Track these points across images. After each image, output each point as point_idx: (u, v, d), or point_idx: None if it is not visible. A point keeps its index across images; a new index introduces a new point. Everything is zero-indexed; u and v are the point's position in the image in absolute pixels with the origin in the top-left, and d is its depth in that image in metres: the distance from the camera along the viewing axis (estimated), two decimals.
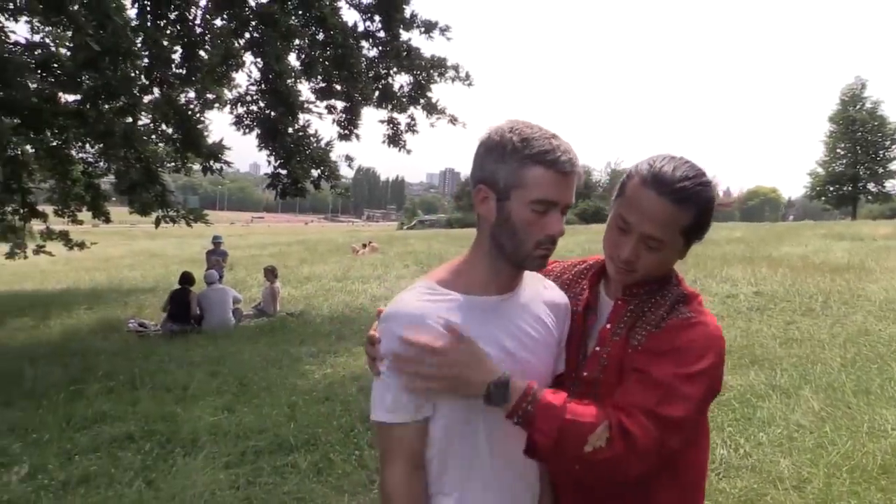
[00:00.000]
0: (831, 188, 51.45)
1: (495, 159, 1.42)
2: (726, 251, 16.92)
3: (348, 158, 11.64)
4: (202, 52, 9.83)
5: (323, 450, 4.98)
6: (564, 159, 1.39)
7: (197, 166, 11.40)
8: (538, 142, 1.39)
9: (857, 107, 50.79)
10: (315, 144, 10.51)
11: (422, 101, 11.58)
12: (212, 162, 10.26)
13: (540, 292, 1.61)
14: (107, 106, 9.48)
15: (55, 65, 10.37)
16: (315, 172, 10.70)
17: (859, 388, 5.88)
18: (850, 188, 51.07)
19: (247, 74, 11.67)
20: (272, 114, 10.36)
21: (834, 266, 13.69)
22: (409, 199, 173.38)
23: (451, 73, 11.36)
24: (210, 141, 10.33)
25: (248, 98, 11.25)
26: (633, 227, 1.47)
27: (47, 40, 11.03)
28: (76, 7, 6.92)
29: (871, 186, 51.52)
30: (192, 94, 11.55)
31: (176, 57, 9.65)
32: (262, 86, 10.64)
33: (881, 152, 50.48)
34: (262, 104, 10.84)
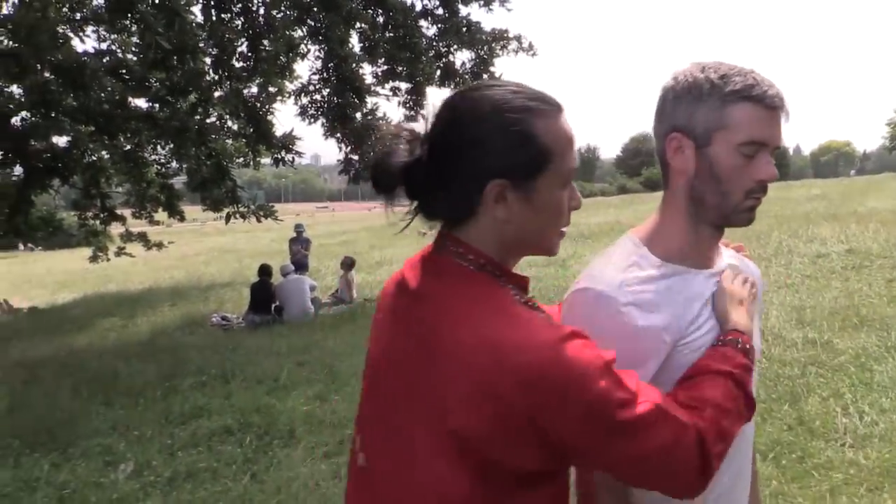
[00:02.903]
0: None
1: (690, 101, 1.23)
2: (808, 209, 16.22)
3: None
4: (266, 44, 9.82)
5: None
6: (772, 93, 1.20)
7: (266, 160, 11.47)
8: (740, 77, 1.20)
9: None
10: (385, 128, 10.38)
11: (485, 76, 11.30)
12: (284, 153, 10.30)
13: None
14: (179, 104, 9.60)
15: (123, 70, 10.61)
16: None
17: None
18: None
19: (310, 63, 11.63)
20: (338, 100, 10.29)
21: None
22: None
23: (513, 44, 11.05)
24: (279, 133, 10.36)
25: (312, 88, 11.22)
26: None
27: (114, 47, 11.22)
28: (146, 7, 6.94)
29: None
30: (254, 89, 11.64)
31: (242, 50, 9.69)
32: (326, 73, 10.58)
33: None
34: (326, 92, 10.78)
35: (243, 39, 9.58)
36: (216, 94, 10.13)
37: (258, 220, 11.16)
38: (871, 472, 3.65)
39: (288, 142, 10.09)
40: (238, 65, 9.87)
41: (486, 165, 1.04)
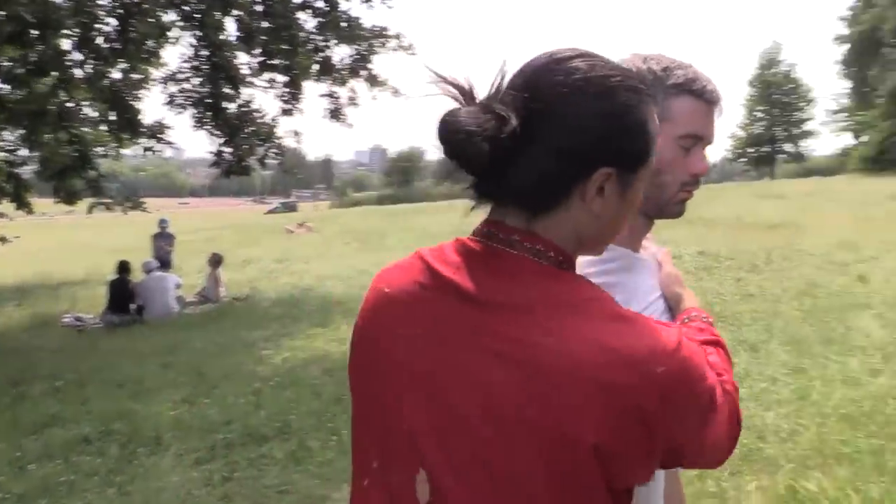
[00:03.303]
0: (751, 150, 53.42)
1: None
2: None
3: (296, 134, 11.24)
4: (135, 25, 9.18)
5: (299, 437, 4.75)
6: (711, 87, 1.22)
7: (127, 151, 10.76)
8: (681, 70, 1.21)
9: (774, 70, 52.67)
10: (260, 120, 10.05)
11: (363, 73, 11.20)
12: (154, 142, 9.63)
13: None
14: (36, 85, 8.77)
15: None
16: (260, 150, 10.24)
17: (823, 338, 6.02)
18: (768, 149, 53.11)
19: (181, 50, 10.98)
20: (211, 90, 9.80)
21: (768, 224, 14.14)
22: (337, 178, 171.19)
23: (393, 42, 11.02)
24: (149, 120, 9.73)
25: (181, 76, 10.64)
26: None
27: None
28: None
29: (787, 147, 53.74)
30: (116, 75, 10.90)
31: (109, 30, 8.99)
32: (198, 61, 10.05)
33: (796, 113, 52.59)
34: (197, 80, 10.25)
35: (111, 19, 8.89)
36: (78, 75, 9.36)
37: (124, 213, 10.45)
38: (734, 456, 3.90)
39: (157, 130, 9.45)
40: (104, 46, 9.15)
41: (595, 150, 0.90)
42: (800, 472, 3.63)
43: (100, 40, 9.07)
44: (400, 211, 34.32)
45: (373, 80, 11.07)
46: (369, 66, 11.02)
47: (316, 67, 10.93)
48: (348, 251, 17.43)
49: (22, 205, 12.06)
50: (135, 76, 10.77)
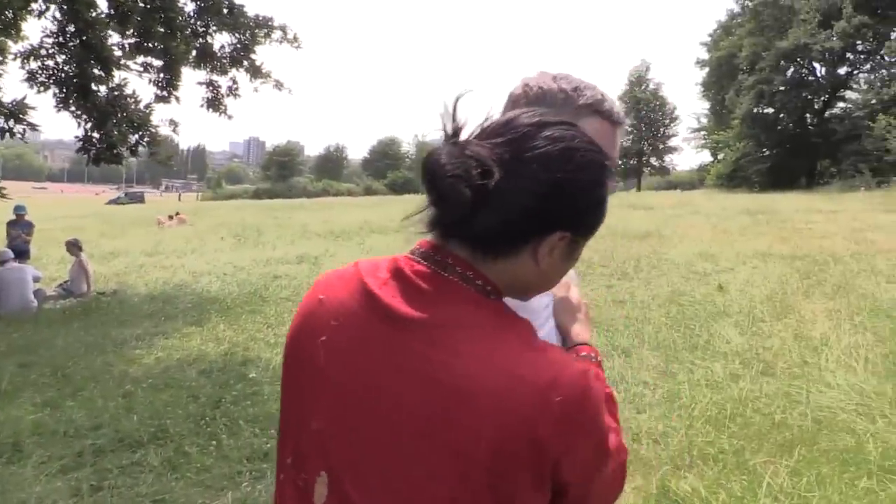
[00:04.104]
0: (620, 162, 56.21)
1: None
2: None
3: (172, 123, 10.65)
4: None
5: (175, 443, 4.53)
6: (616, 109, 1.27)
7: None
8: (589, 90, 1.25)
9: (643, 87, 55.76)
10: (133, 106, 9.46)
11: (245, 63, 10.82)
12: (13, 123, 8.81)
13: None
14: None
15: None
16: (133, 138, 9.65)
17: (689, 344, 6.43)
18: (635, 162, 56.16)
19: (44, 24, 10.15)
20: (78, 70, 9.13)
21: (636, 233, 14.93)
22: (211, 169, 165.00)
23: (277, 34, 10.72)
24: (7, 99, 8.90)
25: (44, 52, 9.86)
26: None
27: None
28: None
29: (653, 161, 57.05)
30: None
31: None
32: (63, 38, 9.34)
33: (662, 129, 55.96)
34: (62, 58, 9.51)
35: None
36: None
37: None
38: None
39: (18, 110, 8.68)
40: None
41: (562, 216, 0.95)
42: (672, 473, 3.86)
43: None
44: (278, 206, 33.58)
45: (255, 71, 10.71)
46: (252, 56, 10.68)
47: (194, 54, 10.46)
48: (224, 246, 16.84)
49: None
50: None
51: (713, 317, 7.43)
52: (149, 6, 9.58)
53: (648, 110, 54.98)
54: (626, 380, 5.51)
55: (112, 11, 9.32)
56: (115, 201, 55.68)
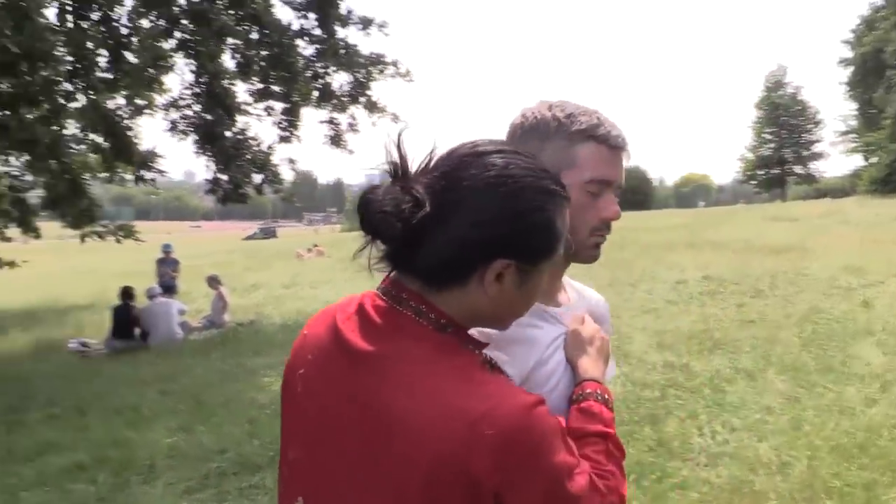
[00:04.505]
0: (760, 172, 53.32)
1: (537, 140, 1.24)
2: (669, 238, 17.22)
3: (291, 161, 11.32)
4: (129, 55, 9.32)
5: None
6: (615, 133, 1.25)
7: (129, 176, 10.85)
8: (584, 116, 1.24)
9: (780, 92, 52.73)
10: (256, 148, 10.16)
11: (362, 99, 11.32)
12: (143, 171, 9.71)
13: (586, 306, 1.44)
14: (29, 114, 8.91)
15: None
16: (257, 177, 10.34)
17: (822, 366, 5.97)
18: (778, 171, 52.98)
19: (181, 77, 11.15)
20: (209, 117, 9.93)
21: (775, 247, 14.05)
22: (349, 202, 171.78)
23: (390, 69, 11.15)
24: (142, 148, 9.82)
25: (182, 102, 10.80)
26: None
27: None
28: None
29: (797, 169, 53.60)
30: (121, 101, 11.07)
31: (101, 60, 9.14)
32: (197, 88, 10.20)
33: (804, 135, 52.52)
34: (197, 108, 10.39)
35: (104, 49, 9.02)
36: (73, 105, 9.51)
37: (118, 241, 10.53)
38: (721, 490, 3.88)
39: (149, 159, 9.54)
40: (99, 75, 9.29)
41: (498, 243, 0.96)
42: None
43: (94, 71, 9.19)
44: None
45: (372, 107, 11.19)
46: (368, 92, 11.16)
47: (316, 94, 11.06)
48: (358, 277, 17.45)
49: (28, 229, 12.18)
50: (139, 102, 10.97)
51: (853, 336, 6.85)
52: (270, 54, 10.25)
53: (788, 116, 51.86)
54: (746, 405, 5.20)
55: (236, 63, 10.08)
56: (251, 237, 58.68)
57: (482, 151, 1.01)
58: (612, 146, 1.25)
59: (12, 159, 11.42)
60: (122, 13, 9.14)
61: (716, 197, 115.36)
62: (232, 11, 9.78)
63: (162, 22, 9.52)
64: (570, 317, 1.34)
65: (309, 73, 11.24)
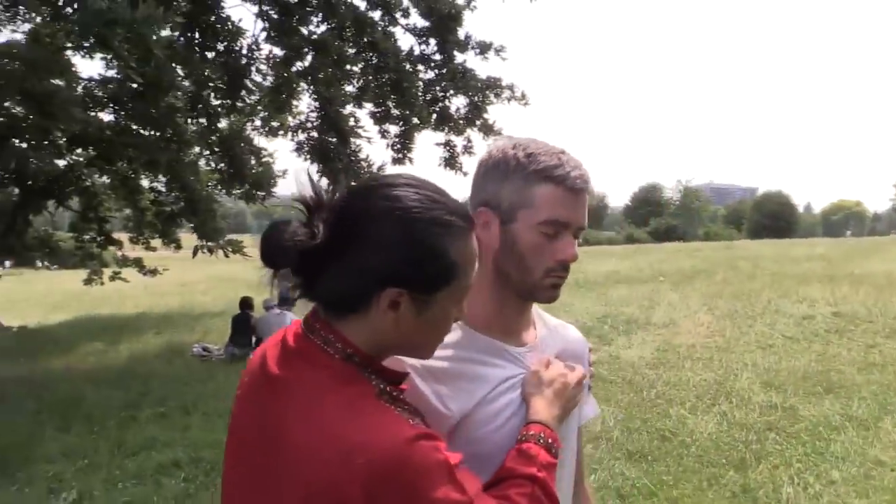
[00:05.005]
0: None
1: (498, 178, 1.25)
2: (805, 269, 16.11)
3: None
4: (248, 82, 9.95)
5: None
6: (575, 175, 1.22)
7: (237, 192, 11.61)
8: (545, 157, 1.23)
9: None
10: (366, 169, 10.53)
11: (478, 122, 11.47)
12: (255, 191, 10.35)
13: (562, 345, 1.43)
14: (152, 136, 9.73)
15: (126, 98, 10.78)
16: None
17: None
18: None
19: (308, 101, 11.84)
20: (325, 140, 10.45)
21: None
22: None
23: (506, 93, 11.22)
24: (258, 170, 10.48)
25: (309, 125, 11.41)
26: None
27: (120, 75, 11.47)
28: (118, 41, 7.04)
29: None
30: (258, 122, 11.87)
31: (220, 88, 9.82)
32: (315, 113, 10.79)
33: None
34: (317, 131, 10.96)
35: (225, 77, 9.70)
36: (192, 128, 10.28)
37: (226, 255, 11.24)
38: None
39: (261, 179, 10.14)
40: (215, 103, 10.01)
41: (389, 272, 0.98)
42: None
43: (213, 98, 9.88)
44: None
45: (487, 129, 11.31)
46: (485, 115, 11.28)
47: (434, 117, 11.32)
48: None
49: (170, 240, 13.24)
50: (274, 124, 11.72)
51: None
52: (388, 79, 10.62)
53: None
54: (851, 457, 4.79)
55: (354, 89, 10.52)
56: None
57: (379, 184, 1.04)
58: (570, 188, 1.22)
59: (160, 176, 12.50)
60: (243, 44, 9.78)
61: (870, 226, 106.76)
62: (352, 41, 10.26)
63: (284, 51, 10.11)
64: (535, 358, 1.33)
65: (428, 97, 11.54)
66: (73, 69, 10.02)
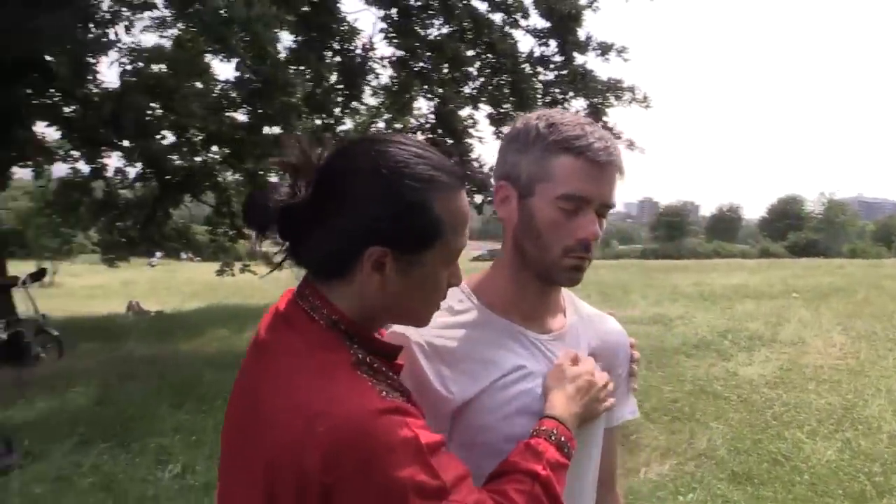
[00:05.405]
0: None
1: (517, 150, 1.19)
2: None
3: None
4: (365, 83, 10.22)
5: None
6: (598, 146, 1.15)
7: None
8: (567, 127, 1.16)
9: None
10: (478, 169, 10.56)
11: (598, 124, 11.22)
12: None
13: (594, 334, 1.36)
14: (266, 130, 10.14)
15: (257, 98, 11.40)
16: (478, 197, 10.71)
17: None
18: None
19: (426, 103, 12.07)
20: (443, 140, 10.58)
21: None
22: (604, 230, 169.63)
23: (627, 95, 10.91)
24: None
25: (427, 125, 11.60)
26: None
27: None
28: (235, 41, 7.38)
29: None
30: (381, 124, 12.21)
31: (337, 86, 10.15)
32: (431, 113, 10.97)
33: None
34: (431, 132, 11.13)
35: (337, 75, 10.01)
36: (311, 127, 10.65)
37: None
38: None
39: None
40: (337, 100, 10.34)
41: (371, 229, 0.95)
42: None
43: (326, 98, 10.20)
44: (657, 267, 33.03)
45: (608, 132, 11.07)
46: (605, 117, 11.01)
47: None
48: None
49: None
50: (398, 126, 12.02)
51: None
52: (506, 80, 10.60)
53: None
54: None
55: (471, 90, 10.56)
56: (478, 258, 60.00)
57: (363, 141, 1.02)
58: (592, 160, 1.14)
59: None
60: (358, 44, 10.05)
61: None
62: (470, 42, 10.33)
63: (400, 52, 10.32)
64: (563, 349, 1.25)
65: (547, 99, 11.42)
66: (210, 71, 10.71)
